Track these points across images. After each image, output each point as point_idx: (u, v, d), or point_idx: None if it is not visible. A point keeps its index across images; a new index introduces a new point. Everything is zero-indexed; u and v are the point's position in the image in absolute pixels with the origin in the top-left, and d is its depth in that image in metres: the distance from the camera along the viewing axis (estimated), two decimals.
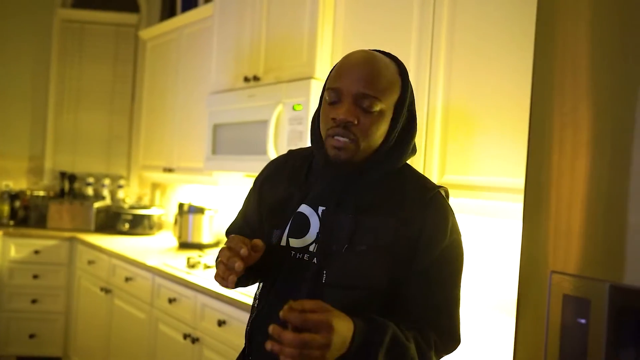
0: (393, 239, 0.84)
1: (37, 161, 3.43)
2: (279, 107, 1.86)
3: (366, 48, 1.62)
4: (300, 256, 0.88)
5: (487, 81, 1.31)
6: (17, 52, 3.36)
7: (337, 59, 1.76)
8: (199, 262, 2.08)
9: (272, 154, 1.85)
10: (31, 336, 2.81)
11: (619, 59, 0.66)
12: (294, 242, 0.89)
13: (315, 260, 0.86)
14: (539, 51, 0.75)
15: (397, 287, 0.86)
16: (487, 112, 1.31)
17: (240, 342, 1.60)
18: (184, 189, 3.11)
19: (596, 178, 0.66)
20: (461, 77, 1.37)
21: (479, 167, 1.32)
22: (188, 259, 2.11)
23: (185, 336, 1.84)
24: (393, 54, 0.92)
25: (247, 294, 1.62)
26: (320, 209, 0.88)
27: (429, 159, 1.43)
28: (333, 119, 0.84)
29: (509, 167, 1.25)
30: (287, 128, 1.84)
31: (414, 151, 0.92)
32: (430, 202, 0.87)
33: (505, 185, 1.24)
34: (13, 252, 2.85)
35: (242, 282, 0.96)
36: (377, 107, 0.83)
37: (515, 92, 1.24)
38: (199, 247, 2.53)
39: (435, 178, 1.41)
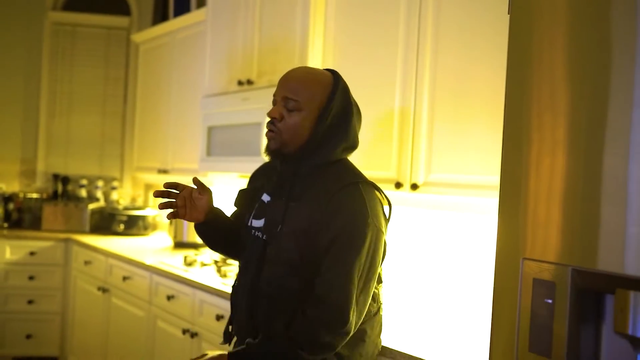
0: (307, 224, 1.03)
1: (29, 164, 3.45)
2: None
3: (356, 50, 1.71)
4: (258, 234, 1.11)
5: (471, 82, 1.40)
6: (8, 54, 3.37)
7: (328, 61, 1.84)
8: (195, 261, 2.14)
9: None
10: (28, 336, 2.85)
11: (595, 58, 0.73)
12: (255, 223, 1.13)
13: (262, 236, 1.09)
14: (513, 50, 0.83)
15: (310, 265, 1.03)
16: (472, 112, 1.40)
17: None
18: None
19: (571, 173, 0.75)
20: (446, 79, 1.46)
21: (465, 166, 1.40)
22: (185, 257, 2.17)
23: (184, 331, 1.90)
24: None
25: None
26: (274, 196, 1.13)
27: (415, 159, 1.52)
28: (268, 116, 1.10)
29: (494, 166, 1.33)
30: None
31: (347, 149, 1.11)
32: (339, 191, 1.04)
33: (492, 183, 1.33)
34: (8, 254, 2.87)
35: (217, 243, 1.23)
36: (298, 108, 1.06)
37: (500, 92, 1.33)
38: (195, 246, 2.59)
39: (422, 177, 1.50)
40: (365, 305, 1.04)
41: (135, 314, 2.26)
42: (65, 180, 3.34)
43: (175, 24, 2.80)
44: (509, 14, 0.86)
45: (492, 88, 1.35)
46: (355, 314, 1.00)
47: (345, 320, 0.98)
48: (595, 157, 0.72)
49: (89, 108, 3.47)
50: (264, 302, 1.07)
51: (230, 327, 1.18)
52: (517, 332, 0.79)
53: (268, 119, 1.10)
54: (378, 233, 1.03)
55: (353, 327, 1.00)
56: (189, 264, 2.12)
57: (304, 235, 1.03)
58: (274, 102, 1.11)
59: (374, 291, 1.09)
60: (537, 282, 0.77)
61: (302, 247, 1.03)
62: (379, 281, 1.13)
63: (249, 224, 1.14)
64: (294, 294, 1.04)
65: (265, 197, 1.14)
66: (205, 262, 2.13)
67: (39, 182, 3.44)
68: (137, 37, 3.16)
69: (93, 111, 3.47)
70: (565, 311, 0.74)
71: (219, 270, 1.96)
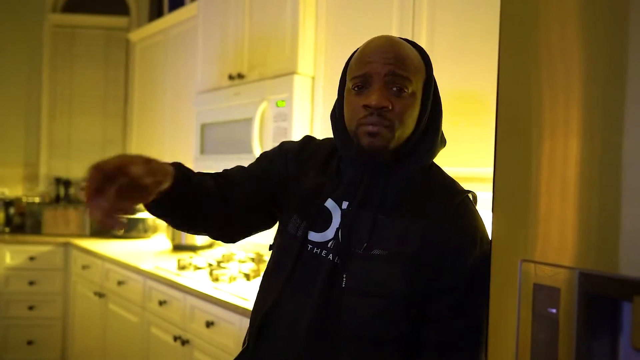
0: (418, 245, 0.77)
1: (32, 168, 3.43)
2: (264, 104, 1.84)
3: (349, 36, 1.60)
4: (318, 251, 0.82)
5: (469, 74, 1.29)
6: (9, 58, 3.36)
7: (320, 52, 1.74)
8: (189, 264, 2.06)
9: (258, 152, 1.83)
10: (29, 342, 2.81)
11: (610, 48, 0.63)
12: (314, 236, 0.83)
13: (331, 257, 0.80)
14: (504, 40, 0.71)
15: (422, 300, 0.78)
16: (465, 102, 1.28)
17: (229, 344, 1.58)
18: None
19: (580, 159, 0.63)
20: (442, 62, 1.34)
21: (456, 158, 1.29)
22: (179, 260, 2.09)
23: (175, 338, 1.82)
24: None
25: (236, 295, 1.60)
26: (344, 204, 0.82)
27: None
28: (365, 106, 0.76)
29: (488, 157, 1.21)
30: (272, 125, 1.81)
31: (443, 142, 0.86)
32: (459, 206, 0.80)
33: (487, 175, 1.21)
34: (8, 259, 2.85)
35: (170, 211, 0.79)
36: (410, 89, 0.77)
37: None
38: (193, 249, 2.52)
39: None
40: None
41: (130, 320, 2.19)
42: (67, 183, 3.31)
43: (168, 20, 2.74)
44: None
45: (488, 72, 1.22)
46: None
47: None
48: (612, 140, 0.60)
49: (90, 110, 3.44)
50: (352, 348, 0.77)
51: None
52: (517, 347, 0.67)
53: (363, 111, 0.77)
54: None
55: None
56: (182, 268, 2.04)
57: (410, 259, 0.77)
58: (367, 84, 0.77)
59: None
60: (539, 288, 0.65)
61: (412, 277, 0.76)
62: None
63: (302, 234, 0.83)
64: (400, 341, 0.78)
65: (330, 204, 0.83)
66: (198, 266, 2.04)
67: (42, 186, 3.42)
68: (134, 35, 3.11)
69: (94, 113, 3.44)
70: (573, 322, 0.62)
71: (211, 274, 1.88)
